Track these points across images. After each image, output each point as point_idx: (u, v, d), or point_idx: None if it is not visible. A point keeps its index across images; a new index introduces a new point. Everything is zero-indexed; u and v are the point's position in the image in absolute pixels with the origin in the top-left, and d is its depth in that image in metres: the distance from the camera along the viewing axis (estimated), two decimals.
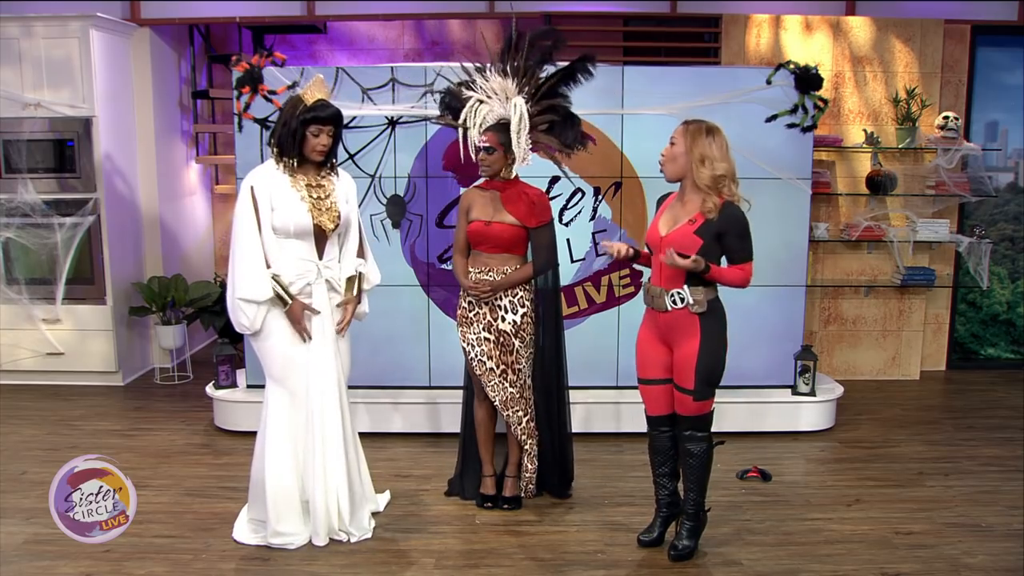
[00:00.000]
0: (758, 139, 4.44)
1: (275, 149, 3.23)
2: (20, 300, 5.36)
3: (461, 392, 3.85)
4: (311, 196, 3.22)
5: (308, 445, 3.28)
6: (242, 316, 3.22)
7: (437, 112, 3.79)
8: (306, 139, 3.19)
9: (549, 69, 3.53)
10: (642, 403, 3.24)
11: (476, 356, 3.56)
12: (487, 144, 3.45)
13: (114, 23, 5.42)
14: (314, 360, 3.27)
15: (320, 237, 3.27)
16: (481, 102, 3.51)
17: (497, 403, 3.58)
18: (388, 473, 4.02)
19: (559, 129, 3.54)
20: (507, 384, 3.56)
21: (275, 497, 3.28)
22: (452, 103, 3.61)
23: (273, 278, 3.19)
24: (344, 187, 3.36)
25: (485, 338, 3.54)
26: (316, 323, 3.27)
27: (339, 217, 3.28)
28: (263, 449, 3.31)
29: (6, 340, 5.45)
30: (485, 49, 3.63)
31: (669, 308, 3.07)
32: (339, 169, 3.39)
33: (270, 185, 3.19)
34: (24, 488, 3.86)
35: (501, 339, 3.54)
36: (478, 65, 3.57)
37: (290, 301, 3.21)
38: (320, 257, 3.29)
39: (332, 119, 3.21)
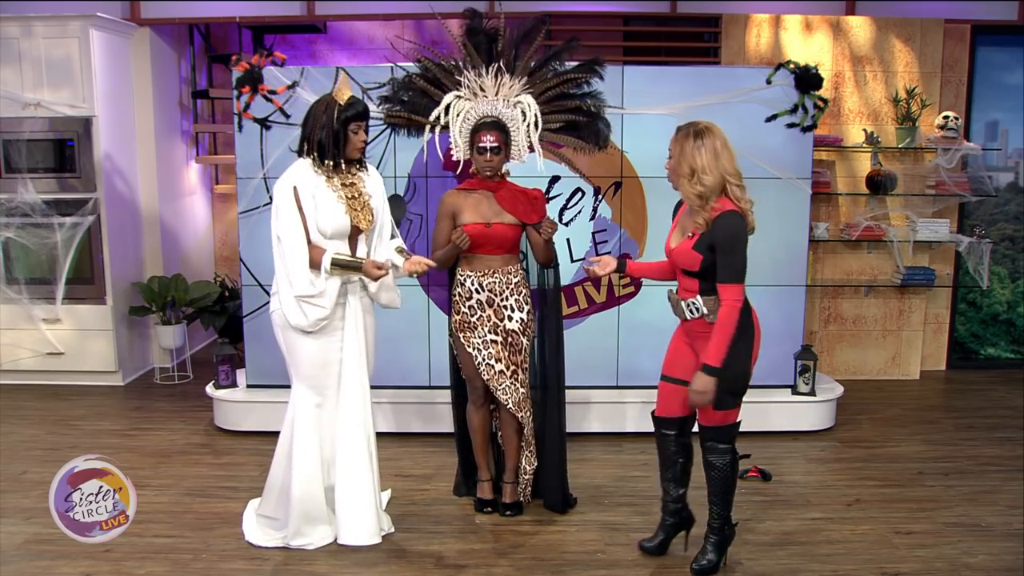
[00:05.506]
0: (758, 139, 4.44)
1: (314, 153, 3.19)
2: (20, 300, 5.36)
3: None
4: (346, 196, 3.22)
5: (339, 444, 3.29)
6: (316, 311, 3.16)
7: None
8: (348, 138, 3.20)
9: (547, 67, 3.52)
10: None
11: (483, 360, 3.46)
12: (496, 144, 3.40)
13: (114, 23, 5.42)
14: (346, 359, 3.27)
15: (353, 236, 3.27)
16: (459, 98, 3.46)
17: (511, 405, 3.47)
18: (388, 473, 4.02)
19: (582, 128, 3.53)
20: (518, 384, 3.49)
21: (303, 501, 3.27)
22: (413, 98, 3.52)
23: (334, 258, 3.15)
24: (372, 183, 3.35)
25: (492, 340, 3.46)
26: (349, 322, 3.26)
27: (373, 217, 3.29)
28: (289, 451, 3.29)
29: (6, 340, 5.45)
30: (459, 45, 3.47)
31: (688, 317, 2.98)
32: (367, 163, 3.39)
33: (311, 186, 3.18)
34: (24, 488, 3.86)
35: (509, 339, 3.49)
36: (454, 61, 3.49)
37: (361, 262, 3.20)
38: (353, 256, 3.29)
39: (367, 114, 3.24)
